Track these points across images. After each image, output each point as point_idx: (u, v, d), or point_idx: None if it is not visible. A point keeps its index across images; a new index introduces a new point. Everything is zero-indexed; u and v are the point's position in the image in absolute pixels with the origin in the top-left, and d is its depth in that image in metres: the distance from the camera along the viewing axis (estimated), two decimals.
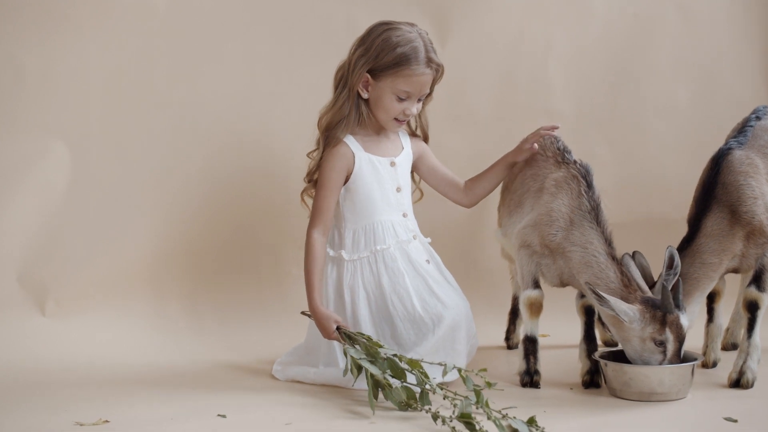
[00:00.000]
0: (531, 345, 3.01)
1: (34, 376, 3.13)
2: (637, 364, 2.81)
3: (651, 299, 2.81)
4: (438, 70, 3.03)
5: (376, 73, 3.00)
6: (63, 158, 3.57)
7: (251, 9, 3.74)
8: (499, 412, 2.51)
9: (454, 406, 2.57)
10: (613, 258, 2.88)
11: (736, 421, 2.59)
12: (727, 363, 3.09)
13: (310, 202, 3.14)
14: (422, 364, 2.77)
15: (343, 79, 3.05)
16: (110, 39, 3.60)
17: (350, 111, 3.04)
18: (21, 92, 3.53)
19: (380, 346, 2.82)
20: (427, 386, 2.70)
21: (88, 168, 3.59)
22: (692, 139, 4.05)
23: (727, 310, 3.36)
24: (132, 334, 3.52)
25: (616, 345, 2.99)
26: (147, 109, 3.65)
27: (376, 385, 2.73)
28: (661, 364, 2.79)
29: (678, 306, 2.79)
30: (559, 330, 3.47)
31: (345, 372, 2.82)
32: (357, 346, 2.85)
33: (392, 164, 3.09)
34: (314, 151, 3.11)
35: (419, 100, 3.06)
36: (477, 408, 2.58)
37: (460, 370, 2.80)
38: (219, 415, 2.67)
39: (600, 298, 2.78)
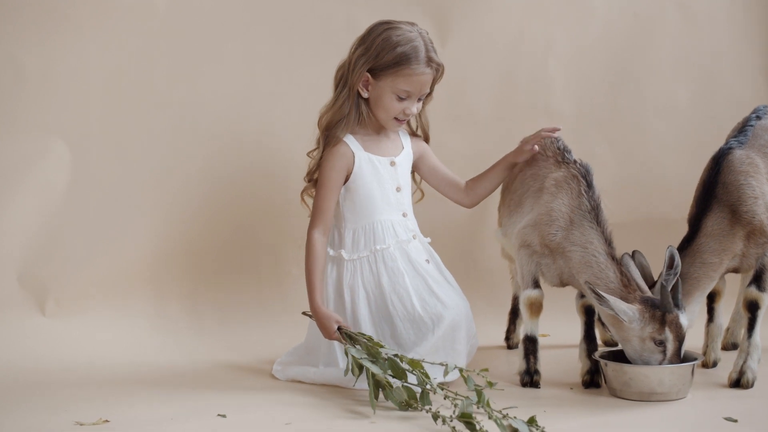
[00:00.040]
0: (531, 345, 3.01)
1: (34, 376, 3.13)
2: (637, 364, 2.81)
3: (650, 299, 2.81)
4: (438, 70, 3.03)
5: (376, 73, 3.00)
6: (63, 158, 3.57)
7: (251, 9, 3.74)
8: (500, 412, 2.51)
9: (455, 406, 2.57)
10: (613, 258, 2.88)
11: (736, 421, 2.59)
12: (728, 363, 3.09)
13: (310, 201, 3.14)
14: (423, 364, 2.77)
15: (344, 79, 3.05)
16: (110, 39, 3.60)
17: (350, 110, 3.04)
18: (21, 92, 3.53)
19: (381, 346, 2.82)
20: (428, 386, 2.70)
21: (88, 168, 3.59)
22: (692, 139, 4.05)
23: (727, 309, 3.36)
24: (132, 334, 3.51)
25: (616, 345, 2.99)
26: (147, 109, 3.65)
27: (377, 385, 2.73)
28: (660, 363, 2.79)
29: (677, 305, 2.79)
30: (559, 330, 3.47)
31: (346, 372, 2.82)
32: (358, 346, 2.84)
33: (392, 164, 3.09)
34: (314, 150, 3.11)
35: (419, 99, 3.06)
36: (478, 408, 2.58)
37: (461, 370, 2.80)
38: (219, 415, 2.67)
39: (599, 297, 2.78)
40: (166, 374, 3.15)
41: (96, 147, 3.61)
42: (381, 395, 2.73)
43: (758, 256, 2.96)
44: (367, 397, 2.77)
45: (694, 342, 3.11)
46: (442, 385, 2.74)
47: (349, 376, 2.85)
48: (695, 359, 2.86)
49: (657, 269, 2.93)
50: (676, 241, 3.00)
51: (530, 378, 2.98)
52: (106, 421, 2.61)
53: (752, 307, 2.96)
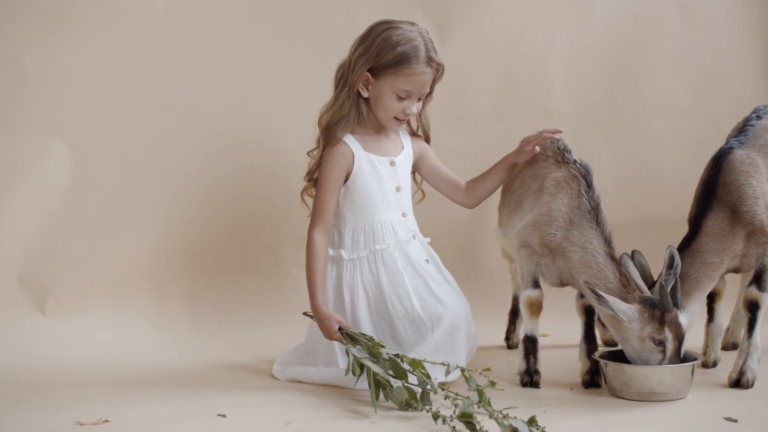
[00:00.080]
0: (531, 345, 3.01)
1: (34, 376, 3.13)
2: (637, 364, 2.81)
3: (649, 299, 2.81)
4: (438, 70, 3.03)
5: (376, 72, 3.00)
6: (63, 158, 3.57)
7: (251, 9, 3.74)
8: (500, 412, 2.51)
9: (455, 406, 2.57)
10: (613, 258, 2.88)
11: (736, 421, 2.59)
12: (728, 363, 3.09)
13: (309, 201, 3.15)
14: (424, 364, 2.77)
15: (344, 78, 3.05)
16: (110, 39, 3.60)
17: (350, 110, 3.04)
18: (21, 92, 3.53)
19: (382, 346, 2.82)
20: (428, 386, 2.70)
21: (88, 168, 3.59)
22: (692, 139, 4.05)
23: (727, 309, 3.36)
24: (132, 334, 3.51)
25: (616, 345, 2.99)
26: (147, 109, 3.65)
27: (378, 384, 2.73)
28: (660, 363, 2.79)
29: (676, 305, 2.79)
30: (559, 330, 3.47)
31: (347, 371, 2.82)
32: (359, 346, 2.84)
33: (392, 164, 3.09)
34: (314, 149, 3.11)
35: (419, 99, 3.06)
36: (479, 407, 2.58)
37: (463, 370, 2.80)
38: (219, 415, 2.67)
39: (599, 297, 2.78)
40: (166, 374, 3.15)
41: (96, 147, 3.61)
42: (381, 395, 2.73)
43: (758, 256, 2.96)
44: (367, 397, 2.77)
45: (694, 342, 3.11)
46: (442, 385, 2.74)
47: (349, 377, 2.85)
48: (695, 359, 2.86)
49: (657, 269, 2.93)
50: (676, 241, 3.00)
51: (530, 378, 2.98)
52: (106, 421, 2.61)
53: (752, 307, 2.96)
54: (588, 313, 3.03)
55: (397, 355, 2.79)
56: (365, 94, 3.04)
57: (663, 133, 4.09)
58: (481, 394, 2.63)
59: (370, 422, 2.61)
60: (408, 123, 3.17)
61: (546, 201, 2.99)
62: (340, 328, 2.93)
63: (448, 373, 2.80)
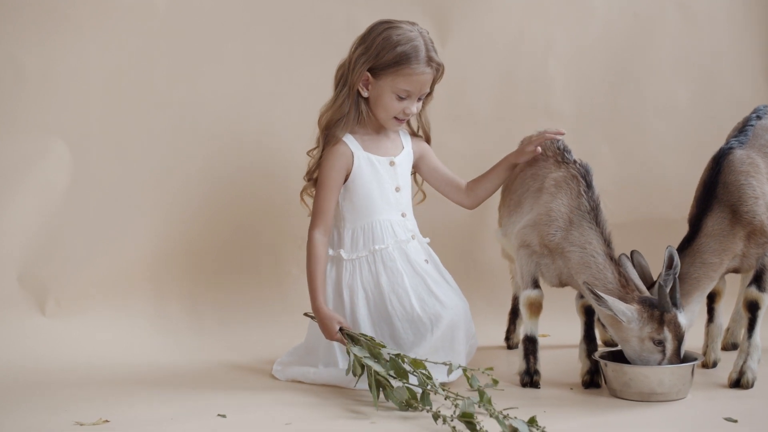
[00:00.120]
0: (531, 345, 3.01)
1: (34, 376, 3.13)
2: (637, 365, 2.81)
3: (648, 299, 2.81)
4: (438, 70, 3.03)
5: (376, 72, 3.00)
6: (63, 158, 3.57)
7: (251, 9, 3.74)
8: (500, 412, 2.51)
9: (455, 406, 2.57)
10: (612, 258, 2.88)
11: (736, 421, 2.59)
12: (728, 363, 3.09)
13: (309, 201, 3.14)
14: (426, 364, 2.77)
15: (344, 78, 3.05)
16: (110, 39, 3.60)
17: (350, 109, 3.04)
18: (21, 92, 3.53)
19: (383, 347, 2.82)
20: (428, 387, 2.70)
21: (88, 168, 3.59)
22: (692, 139, 4.05)
23: (727, 310, 3.36)
24: (132, 334, 3.51)
25: (616, 345, 2.99)
26: (147, 109, 3.65)
27: (378, 384, 2.72)
28: (660, 363, 2.79)
29: (675, 305, 2.79)
30: (559, 330, 3.47)
31: (348, 371, 2.82)
32: (360, 347, 2.84)
33: (391, 164, 3.09)
34: (314, 149, 3.11)
35: (419, 99, 3.06)
36: (479, 407, 2.58)
37: (465, 370, 2.80)
38: (219, 415, 2.67)
39: (598, 298, 2.78)
40: (166, 374, 3.15)
41: (96, 147, 3.61)
42: (381, 395, 2.73)
43: (758, 256, 2.96)
44: (367, 397, 2.77)
45: (694, 342, 3.11)
46: (442, 386, 2.73)
47: (349, 377, 2.86)
48: (695, 359, 2.86)
49: (657, 269, 2.93)
50: (676, 241, 3.00)
51: (530, 378, 2.98)
52: (106, 421, 2.61)
53: (752, 308, 2.96)
54: (588, 314, 3.03)
55: (398, 355, 2.79)
56: (365, 94, 3.04)
57: (663, 133, 4.09)
58: (481, 394, 2.63)
59: (370, 422, 2.61)
60: (408, 123, 3.17)
61: (546, 201, 2.99)
62: (341, 329, 2.93)
63: (450, 372, 2.80)
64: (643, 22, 4.07)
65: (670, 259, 2.83)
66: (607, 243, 2.90)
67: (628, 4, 4.06)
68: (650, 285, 2.91)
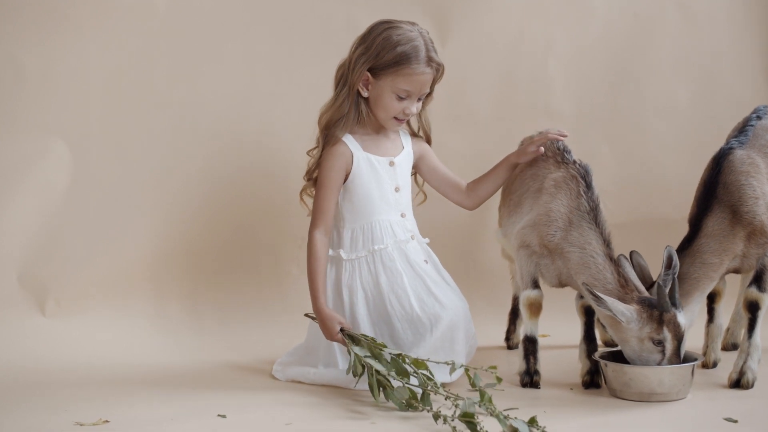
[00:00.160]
0: (531, 345, 3.01)
1: (34, 376, 3.13)
2: (637, 365, 2.81)
3: (648, 299, 2.80)
4: (438, 70, 3.03)
5: (376, 72, 3.00)
6: (63, 158, 3.57)
7: (251, 9, 3.74)
8: (500, 413, 2.51)
9: (456, 406, 2.57)
10: (611, 259, 2.88)
11: (736, 421, 2.59)
12: (728, 363, 3.09)
13: (308, 200, 3.15)
14: (428, 363, 2.77)
15: (344, 78, 3.05)
16: (110, 39, 3.60)
17: (350, 109, 3.04)
18: (21, 92, 3.53)
19: (384, 347, 2.82)
20: (429, 387, 2.70)
21: (88, 168, 3.59)
22: (692, 139, 4.05)
23: (727, 310, 3.36)
24: (132, 334, 3.51)
25: (616, 345, 2.99)
26: (147, 109, 3.65)
27: (379, 384, 2.72)
28: (659, 363, 2.79)
29: (675, 305, 2.79)
30: (559, 330, 3.47)
31: (348, 370, 2.82)
32: (361, 347, 2.84)
33: (391, 164, 3.09)
34: (314, 149, 3.11)
35: (419, 99, 3.06)
36: (480, 406, 2.58)
37: (467, 369, 2.79)
38: (219, 415, 2.67)
39: (597, 298, 2.77)
40: (166, 374, 3.15)
41: (96, 147, 3.61)
42: (382, 396, 2.73)
43: (759, 256, 2.96)
44: (367, 397, 2.77)
45: (694, 342, 3.11)
46: (443, 386, 2.73)
47: (349, 378, 2.86)
48: (695, 360, 2.86)
49: (656, 270, 2.93)
50: (676, 241, 3.00)
51: (530, 378, 2.98)
52: (106, 421, 2.61)
53: (752, 308, 2.96)
54: (588, 314, 3.03)
55: (399, 356, 2.79)
56: (365, 94, 3.04)
57: (663, 133, 4.09)
58: (482, 393, 2.63)
59: (371, 422, 2.61)
60: (408, 123, 3.17)
61: (545, 201, 2.99)
62: (342, 329, 2.93)
63: (453, 370, 2.80)
64: (643, 22, 4.07)
65: (669, 259, 2.83)
66: (607, 243, 2.90)
67: (628, 4, 4.06)
68: (650, 285, 2.91)
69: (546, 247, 2.97)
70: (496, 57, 3.98)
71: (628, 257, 2.93)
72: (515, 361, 3.15)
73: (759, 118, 3.14)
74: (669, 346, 2.78)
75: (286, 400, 2.86)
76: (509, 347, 3.54)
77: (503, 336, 3.57)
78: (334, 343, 2.99)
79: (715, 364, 3.20)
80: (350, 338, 2.89)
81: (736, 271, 3.03)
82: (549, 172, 3.04)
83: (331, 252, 3.07)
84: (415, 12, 3.74)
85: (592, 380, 2.96)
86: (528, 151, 3.09)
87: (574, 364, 3.07)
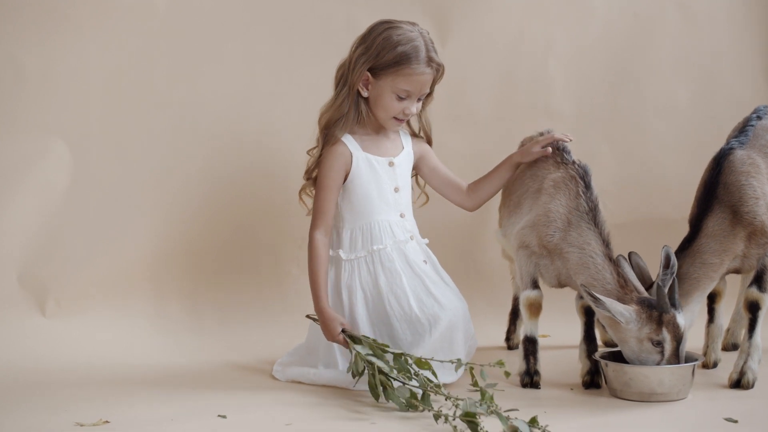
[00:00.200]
0: (531, 345, 3.01)
1: (34, 376, 3.13)
2: (636, 365, 2.81)
3: (647, 300, 2.80)
4: (438, 70, 3.03)
5: (376, 72, 3.00)
6: (63, 158, 3.57)
7: (251, 9, 3.74)
8: (500, 409, 2.52)
9: (456, 407, 2.56)
10: (611, 259, 2.88)
11: (736, 421, 2.59)
12: (728, 363, 3.09)
13: (307, 199, 3.15)
14: (432, 362, 2.76)
15: (344, 77, 3.05)
16: (110, 39, 3.59)
17: (349, 109, 3.04)
18: (21, 92, 3.53)
19: (387, 347, 2.82)
20: (429, 387, 2.70)
21: (88, 168, 3.59)
22: (692, 139, 4.06)
23: (727, 310, 3.36)
24: (132, 334, 3.51)
25: (616, 345, 2.99)
26: (147, 109, 3.64)
27: (380, 383, 2.72)
28: (658, 364, 2.79)
29: (674, 305, 2.78)
30: (559, 330, 3.47)
31: (349, 369, 2.82)
32: (363, 346, 2.84)
33: (390, 164, 3.09)
34: (314, 148, 3.11)
35: (419, 99, 3.06)
36: (480, 405, 2.57)
37: (472, 367, 2.79)
38: (219, 415, 2.66)
39: (595, 299, 2.77)
40: (166, 374, 3.15)
41: (96, 147, 3.61)
42: (382, 397, 2.73)
43: (759, 256, 2.96)
44: (367, 397, 2.77)
45: (694, 342, 3.11)
46: (444, 386, 2.74)
47: (349, 378, 2.86)
48: (696, 360, 2.86)
49: (656, 269, 2.93)
50: (677, 241, 3.00)
51: (530, 379, 2.98)
52: (106, 421, 2.61)
53: (753, 308, 2.96)
54: (588, 314, 3.03)
55: (401, 355, 2.79)
56: (365, 94, 3.04)
57: (663, 133, 4.09)
58: (483, 393, 2.63)
59: (371, 423, 2.61)
60: (409, 124, 3.17)
61: (544, 202, 2.99)
62: (343, 330, 2.93)
63: (458, 367, 2.79)
64: (643, 22, 4.07)
65: (667, 259, 2.82)
66: (606, 244, 2.90)
67: (628, 4, 4.06)
68: (649, 286, 2.91)
69: (545, 248, 2.97)
70: (496, 57, 3.98)
71: (627, 258, 2.93)
72: (515, 361, 3.15)
73: (759, 118, 3.14)
74: (668, 347, 2.78)
75: (287, 400, 2.86)
76: (509, 347, 3.54)
77: (503, 336, 3.57)
78: (334, 343, 2.99)
79: (715, 365, 3.20)
80: (351, 339, 2.89)
81: (737, 271, 3.03)
82: (548, 173, 3.04)
83: (330, 252, 3.07)
84: (415, 12, 3.74)
85: (593, 380, 2.96)
86: (532, 151, 3.09)
87: (574, 365, 3.06)
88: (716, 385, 2.97)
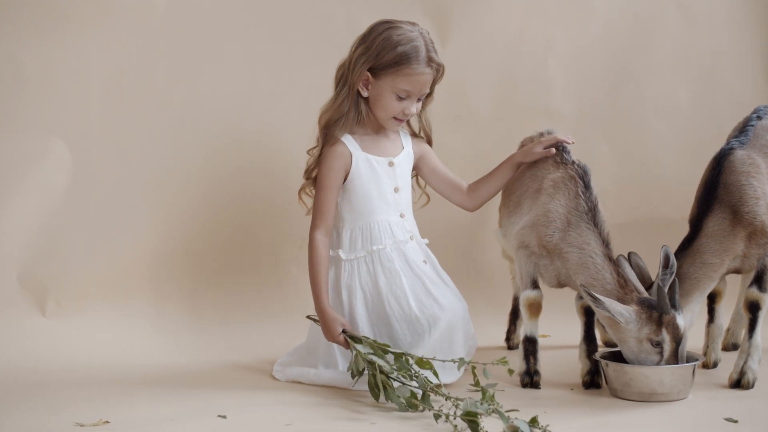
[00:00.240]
0: (531, 345, 3.01)
1: (34, 376, 3.13)
2: (636, 365, 2.81)
3: (647, 300, 2.80)
4: (438, 70, 3.03)
5: (376, 72, 3.00)
6: (63, 158, 3.57)
7: (251, 9, 3.74)
8: (500, 407, 2.52)
9: (456, 407, 2.56)
10: (610, 259, 2.88)
11: (736, 421, 2.58)
12: (728, 363, 3.09)
13: (307, 199, 3.15)
14: (433, 362, 2.76)
15: (344, 77, 3.05)
16: (110, 39, 3.59)
17: (349, 109, 3.04)
18: (21, 92, 3.53)
19: (388, 347, 2.82)
20: (429, 388, 2.69)
21: (88, 168, 3.59)
22: (692, 139, 4.06)
23: (727, 310, 3.36)
24: (132, 334, 3.51)
25: (616, 345, 2.99)
26: (147, 109, 3.64)
27: (381, 383, 2.72)
28: (658, 364, 2.79)
29: (674, 306, 2.78)
30: (559, 330, 3.47)
31: (349, 368, 2.82)
32: (363, 345, 2.84)
33: (390, 164, 3.09)
34: (314, 148, 3.11)
35: (419, 99, 3.06)
36: (481, 404, 2.57)
37: (474, 366, 2.79)
38: (219, 415, 2.66)
39: (595, 299, 2.77)
40: (166, 374, 3.15)
41: (96, 147, 3.61)
42: (382, 397, 2.73)
43: (759, 256, 2.96)
44: (368, 397, 2.77)
45: (694, 342, 3.11)
46: (444, 387, 2.74)
47: (349, 379, 2.85)
48: (696, 360, 2.86)
49: (655, 270, 2.93)
50: (677, 241, 3.00)
51: (530, 379, 2.98)
52: (106, 421, 2.61)
53: (753, 308, 2.96)
54: (588, 314, 3.03)
55: (402, 355, 2.79)
56: (365, 94, 3.04)
57: (663, 133, 4.09)
58: (484, 392, 2.63)
59: (371, 423, 2.61)
60: (409, 124, 3.17)
61: (544, 202, 2.98)
62: (343, 331, 2.93)
63: (460, 366, 2.79)
64: (643, 22, 4.07)
65: (666, 259, 2.82)
66: (606, 244, 2.89)
67: (628, 4, 4.06)
68: (649, 286, 2.91)
69: (545, 248, 2.97)
70: (496, 57, 3.98)
71: (627, 258, 2.93)
72: (515, 361, 3.15)
73: (759, 118, 3.14)
74: (667, 347, 2.78)
75: (287, 400, 2.86)
76: (509, 347, 3.54)
77: (503, 336, 3.57)
78: (334, 343, 2.98)
79: (715, 365, 3.20)
80: (352, 340, 2.88)
81: (737, 271, 3.03)
82: (548, 173, 3.04)
83: (330, 252, 3.07)
84: (415, 12, 3.74)
85: (593, 380, 2.96)
86: (535, 152, 3.08)
87: (575, 365, 3.06)
88: (716, 385, 2.97)
